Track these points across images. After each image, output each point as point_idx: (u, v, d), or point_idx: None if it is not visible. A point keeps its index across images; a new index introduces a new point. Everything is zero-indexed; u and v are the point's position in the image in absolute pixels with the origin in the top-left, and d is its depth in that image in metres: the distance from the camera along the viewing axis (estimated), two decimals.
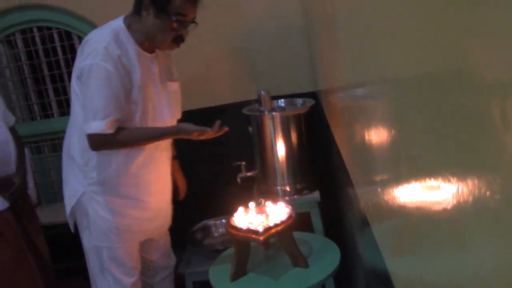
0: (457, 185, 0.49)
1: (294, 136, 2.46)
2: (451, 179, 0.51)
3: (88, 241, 2.10)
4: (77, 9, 2.97)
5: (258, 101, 2.50)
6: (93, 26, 2.82)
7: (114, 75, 1.83)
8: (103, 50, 1.82)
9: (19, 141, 2.45)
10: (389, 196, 0.91)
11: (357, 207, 1.42)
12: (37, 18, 3.12)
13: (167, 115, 2.06)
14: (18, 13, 3.09)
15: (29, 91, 3.32)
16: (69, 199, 2.07)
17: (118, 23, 1.92)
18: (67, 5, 2.98)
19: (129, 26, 1.92)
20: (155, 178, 2.12)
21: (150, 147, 2.02)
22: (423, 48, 0.56)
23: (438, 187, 0.56)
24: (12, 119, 2.51)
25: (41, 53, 3.22)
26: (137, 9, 1.89)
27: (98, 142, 1.89)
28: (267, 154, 2.48)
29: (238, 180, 2.52)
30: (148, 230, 2.17)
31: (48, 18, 3.11)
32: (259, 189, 2.57)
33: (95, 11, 2.89)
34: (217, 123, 1.99)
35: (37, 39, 3.20)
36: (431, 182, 0.59)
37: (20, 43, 3.22)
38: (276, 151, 2.45)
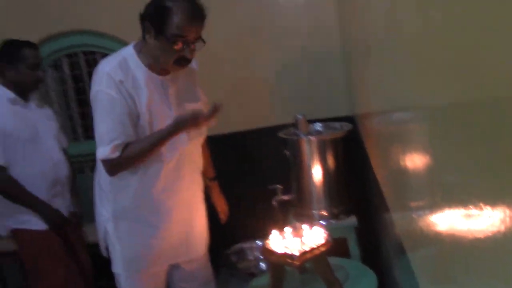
0: (494, 213, 0.48)
1: (330, 160, 2.45)
2: (487, 207, 0.50)
3: (112, 267, 2.11)
4: (119, 34, 3.07)
5: (295, 124, 2.51)
6: None
7: (118, 100, 1.83)
8: (106, 77, 1.84)
9: (71, 163, 2.57)
10: (424, 223, 0.90)
11: (393, 233, 1.40)
12: (81, 43, 3.25)
13: (183, 138, 1.98)
14: (64, 38, 3.22)
15: (73, 112, 3.45)
16: (99, 225, 2.10)
17: (128, 49, 1.94)
18: (110, 30, 3.09)
19: (139, 51, 1.92)
20: (176, 205, 2.06)
21: (168, 174, 1.99)
22: (459, 76, 0.56)
23: (474, 215, 0.55)
24: (65, 141, 2.63)
25: (85, 76, 3.34)
26: (143, 33, 1.89)
27: (109, 167, 1.89)
28: (303, 177, 2.48)
29: (274, 203, 2.52)
30: (171, 258, 2.12)
31: (93, 43, 3.24)
32: (295, 212, 2.56)
33: (136, 36, 2.98)
34: (214, 104, 1.90)
35: (82, 63, 3.33)
36: (466, 210, 0.59)
37: (65, 67, 3.36)
38: (313, 175, 2.45)
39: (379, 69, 1.33)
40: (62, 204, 2.51)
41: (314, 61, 2.93)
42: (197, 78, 2.15)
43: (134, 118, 1.87)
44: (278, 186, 2.54)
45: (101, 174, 2.03)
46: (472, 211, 0.56)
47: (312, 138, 2.43)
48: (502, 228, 0.44)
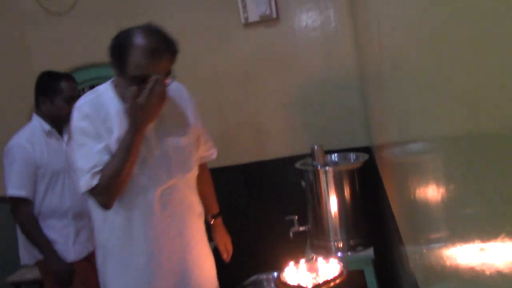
0: (509, 248, 0.47)
1: (347, 191, 2.43)
2: (503, 241, 0.49)
3: None
4: None
5: (311, 155, 2.51)
6: None
7: (90, 132, 1.76)
8: (76, 111, 1.79)
9: None
10: (437, 258, 0.89)
11: (407, 267, 1.38)
12: (104, 75, 3.32)
13: (164, 173, 1.84)
14: (86, 71, 3.30)
15: None
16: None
17: (106, 84, 1.87)
18: None
19: (116, 85, 1.83)
20: (166, 257, 1.88)
21: (153, 219, 1.83)
22: (476, 106, 0.56)
23: (488, 250, 0.55)
24: None
25: None
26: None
27: (96, 197, 1.77)
28: (319, 208, 2.46)
29: (291, 234, 2.50)
30: None
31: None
32: (312, 244, 2.54)
33: None
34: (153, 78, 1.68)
35: None
36: (481, 244, 0.58)
37: None
38: (329, 206, 2.43)
39: (393, 100, 1.33)
40: (87, 238, 2.52)
41: (332, 92, 2.94)
42: (191, 106, 1.97)
43: (112, 150, 1.76)
44: (295, 217, 2.53)
45: (91, 214, 1.95)
46: (488, 245, 0.55)
47: (329, 169, 2.43)
48: None
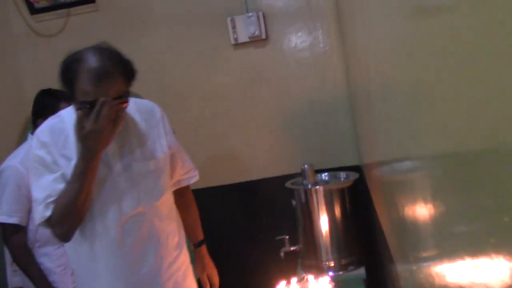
0: (501, 264, 0.48)
1: (338, 210, 2.43)
2: (491, 259, 0.50)
3: None
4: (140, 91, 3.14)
5: (302, 174, 2.52)
6: None
7: (47, 160, 1.66)
8: (35, 138, 1.70)
9: None
10: (427, 276, 0.89)
11: (398, 286, 1.38)
12: None
13: (129, 201, 1.70)
14: None
15: None
16: None
17: (70, 107, 1.76)
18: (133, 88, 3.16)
19: None
20: (134, 285, 1.73)
21: (117, 253, 1.70)
22: (456, 128, 0.57)
23: (476, 267, 0.55)
24: None
25: None
26: None
27: (53, 229, 1.66)
28: (310, 228, 2.46)
29: (282, 254, 2.50)
30: None
31: None
32: (303, 264, 2.53)
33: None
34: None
35: None
36: (470, 262, 0.58)
37: None
38: (320, 225, 2.43)
39: (380, 120, 1.35)
40: None
41: (321, 111, 2.96)
42: (163, 127, 1.83)
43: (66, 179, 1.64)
44: (286, 237, 2.53)
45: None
46: (476, 263, 0.56)
47: (319, 188, 2.43)
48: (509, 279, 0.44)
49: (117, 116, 1.57)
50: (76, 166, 1.59)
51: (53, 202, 1.62)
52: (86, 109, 1.52)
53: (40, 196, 1.64)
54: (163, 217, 1.79)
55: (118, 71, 1.55)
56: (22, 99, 3.02)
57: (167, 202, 1.83)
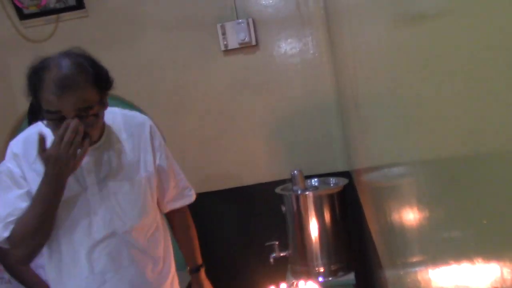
0: (486, 269, 0.48)
1: (327, 216, 2.44)
2: (478, 264, 0.50)
3: None
4: (131, 99, 3.13)
5: (292, 180, 2.52)
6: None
7: (16, 174, 1.54)
8: (8, 149, 1.59)
9: None
10: (414, 281, 0.90)
11: None
12: None
13: (99, 224, 1.55)
14: None
15: None
16: None
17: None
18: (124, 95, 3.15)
19: None
20: None
21: (81, 273, 1.56)
22: (444, 133, 0.58)
23: (463, 272, 0.56)
24: None
25: None
26: None
27: (11, 250, 1.54)
28: (300, 234, 2.46)
29: (271, 260, 2.50)
30: None
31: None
32: (293, 269, 2.53)
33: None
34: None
35: None
36: (456, 267, 0.59)
37: None
38: (309, 231, 2.43)
39: (368, 126, 1.36)
40: None
41: (311, 117, 2.98)
42: (151, 144, 1.68)
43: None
44: (275, 242, 2.53)
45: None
46: (463, 268, 0.56)
47: (309, 193, 2.44)
48: (498, 285, 0.45)
49: (86, 136, 1.44)
50: (39, 189, 1.47)
51: (12, 222, 1.49)
52: (52, 121, 1.42)
53: (1, 214, 1.51)
54: (143, 243, 1.63)
55: (86, 80, 1.42)
56: (12, 105, 3.00)
57: (149, 226, 1.66)
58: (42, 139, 1.43)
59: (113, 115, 1.65)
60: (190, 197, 1.87)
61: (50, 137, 1.49)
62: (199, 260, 1.91)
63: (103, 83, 1.47)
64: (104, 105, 1.50)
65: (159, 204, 1.77)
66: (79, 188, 1.55)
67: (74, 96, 1.38)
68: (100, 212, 1.56)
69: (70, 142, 1.40)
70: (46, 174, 1.45)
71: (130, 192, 1.60)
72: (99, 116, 1.48)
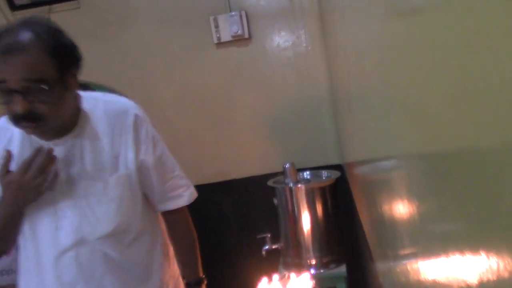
0: (477, 260, 0.49)
1: (319, 209, 2.45)
2: (468, 256, 0.51)
3: None
4: (122, 90, 3.12)
5: (284, 173, 2.53)
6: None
7: None
8: None
9: None
10: (404, 274, 0.91)
11: (377, 284, 1.40)
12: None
13: (67, 229, 1.34)
14: None
15: None
16: None
17: None
18: (115, 87, 3.14)
19: None
20: None
21: (46, 286, 1.36)
22: (435, 126, 0.58)
23: (453, 265, 0.56)
24: None
25: None
26: None
27: None
28: (292, 226, 2.47)
29: (263, 252, 2.51)
30: None
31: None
32: (284, 262, 2.54)
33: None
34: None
35: None
36: (446, 259, 0.60)
37: None
38: (301, 224, 2.44)
39: (360, 119, 1.37)
40: None
41: (304, 110, 2.98)
42: (134, 137, 1.42)
43: None
44: (267, 235, 2.54)
45: None
46: (453, 260, 0.57)
47: (301, 186, 2.45)
48: (486, 276, 0.45)
49: (38, 118, 1.21)
50: None
51: None
52: None
53: None
54: (121, 252, 1.41)
55: (38, 48, 1.20)
56: None
57: (130, 232, 1.42)
58: (8, 157, 1.24)
59: (94, 101, 1.41)
60: (186, 198, 1.58)
61: (17, 136, 1.34)
62: (199, 273, 1.62)
63: (63, 56, 1.24)
64: (68, 87, 1.27)
65: (151, 205, 1.54)
66: (51, 190, 1.34)
67: (19, 61, 1.17)
68: (69, 215, 1.34)
69: (40, 170, 1.24)
70: (3, 199, 1.27)
71: (103, 193, 1.36)
72: (57, 97, 1.23)
